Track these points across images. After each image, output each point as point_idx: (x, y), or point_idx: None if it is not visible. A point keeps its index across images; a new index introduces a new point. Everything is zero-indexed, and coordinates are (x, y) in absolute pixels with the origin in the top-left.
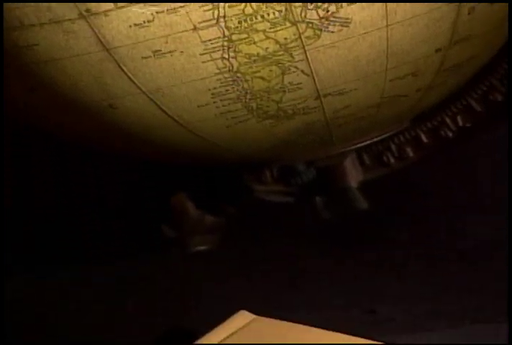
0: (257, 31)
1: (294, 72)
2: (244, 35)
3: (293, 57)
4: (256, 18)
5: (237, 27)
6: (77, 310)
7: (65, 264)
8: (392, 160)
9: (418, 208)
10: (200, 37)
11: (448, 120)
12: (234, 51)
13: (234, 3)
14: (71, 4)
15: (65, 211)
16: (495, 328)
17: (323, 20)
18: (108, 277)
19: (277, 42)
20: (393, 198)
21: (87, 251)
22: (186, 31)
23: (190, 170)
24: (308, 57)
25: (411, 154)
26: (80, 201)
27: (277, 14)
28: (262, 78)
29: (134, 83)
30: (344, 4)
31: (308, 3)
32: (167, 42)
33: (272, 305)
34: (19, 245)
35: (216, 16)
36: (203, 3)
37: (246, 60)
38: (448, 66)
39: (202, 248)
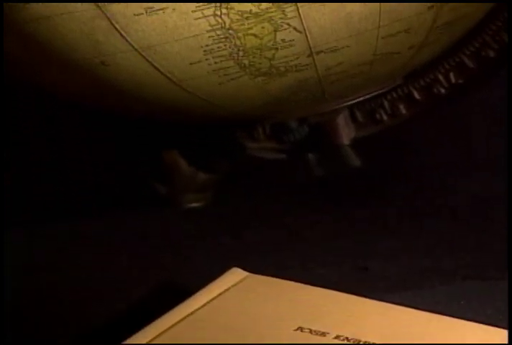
0: None
1: (286, 29)
2: None
3: (285, 14)
4: None
5: None
6: (69, 265)
7: (57, 219)
8: (384, 117)
9: (410, 165)
10: None
11: (440, 77)
12: (226, 8)
13: None
14: None
15: (57, 170)
16: (487, 284)
17: None
18: (100, 232)
19: None
20: (386, 155)
21: (79, 207)
22: None
23: (183, 127)
24: (301, 13)
25: (404, 111)
26: (72, 159)
27: None
28: (255, 35)
29: (126, 40)
30: None
31: None
32: None
33: (265, 263)
34: (15, 199)
35: None
36: None
37: (238, 17)
38: (441, 23)
39: (194, 205)
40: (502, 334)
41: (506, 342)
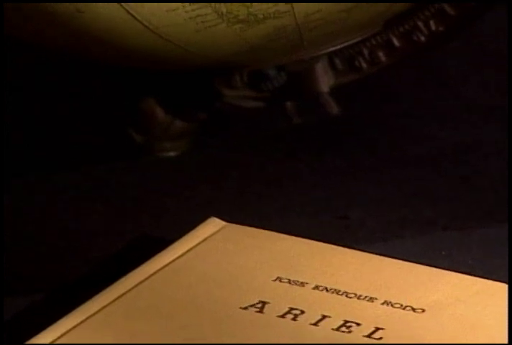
0: None
1: None
2: None
3: None
4: None
5: None
6: (45, 217)
7: (32, 170)
8: (363, 65)
9: (390, 113)
10: None
11: (420, 24)
12: None
13: None
14: None
15: (32, 121)
16: (467, 234)
17: None
18: (76, 183)
19: None
20: (365, 103)
21: (54, 158)
22: None
23: (160, 75)
24: None
25: (383, 58)
26: (47, 109)
27: None
28: None
29: None
30: None
31: None
32: None
33: (243, 212)
34: None
35: None
36: None
37: None
38: None
39: (171, 154)
40: (499, 287)
41: (506, 297)
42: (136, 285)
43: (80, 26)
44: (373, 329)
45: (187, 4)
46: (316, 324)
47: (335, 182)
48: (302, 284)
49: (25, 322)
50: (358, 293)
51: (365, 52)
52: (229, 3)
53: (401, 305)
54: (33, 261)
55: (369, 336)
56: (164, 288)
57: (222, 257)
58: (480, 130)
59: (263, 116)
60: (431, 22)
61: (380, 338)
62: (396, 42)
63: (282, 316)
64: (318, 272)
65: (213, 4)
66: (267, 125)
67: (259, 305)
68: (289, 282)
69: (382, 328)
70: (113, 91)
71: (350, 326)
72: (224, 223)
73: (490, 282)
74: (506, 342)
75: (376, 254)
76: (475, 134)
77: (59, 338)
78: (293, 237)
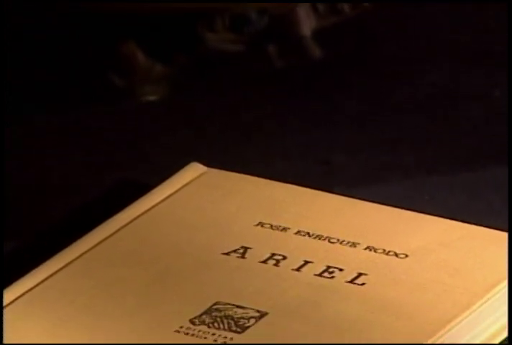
0: None
1: None
2: None
3: None
4: None
5: None
6: (22, 163)
7: (9, 116)
8: (345, 8)
9: (372, 57)
10: None
11: None
12: None
13: None
14: None
15: (12, 66)
16: (451, 178)
17: None
18: (54, 128)
19: None
20: (347, 46)
21: (32, 102)
22: None
23: (141, 18)
24: None
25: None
26: (25, 54)
27: None
28: None
29: None
30: None
31: None
32: None
33: (225, 157)
34: None
35: None
36: None
37: None
38: None
39: (152, 98)
40: (482, 232)
41: (489, 241)
42: (117, 230)
43: None
44: (356, 275)
45: None
46: (298, 270)
47: (317, 127)
48: (284, 229)
49: (5, 268)
50: (340, 238)
51: None
52: None
53: (384, 251)
54: (10, 207)
55: (351, 281)
56: (145, 234)
57: (204, 202)
58: (467, 74)
59: (245, 60)
60: None
61: (363, 284)
62: None
63: (265, 262)
64: (301, 217)
65: None
66: (248, 69)
67: (241, 251)
68: (271, 227)
69: (364, 274)
70: (94, 34)
71: (333, 272)
72: (205, 168)
73: (474, 226)
74: (489, 285)
75: (359, 199)
76: (462, 78)
77: (41, 283)
78: (275, 182)
